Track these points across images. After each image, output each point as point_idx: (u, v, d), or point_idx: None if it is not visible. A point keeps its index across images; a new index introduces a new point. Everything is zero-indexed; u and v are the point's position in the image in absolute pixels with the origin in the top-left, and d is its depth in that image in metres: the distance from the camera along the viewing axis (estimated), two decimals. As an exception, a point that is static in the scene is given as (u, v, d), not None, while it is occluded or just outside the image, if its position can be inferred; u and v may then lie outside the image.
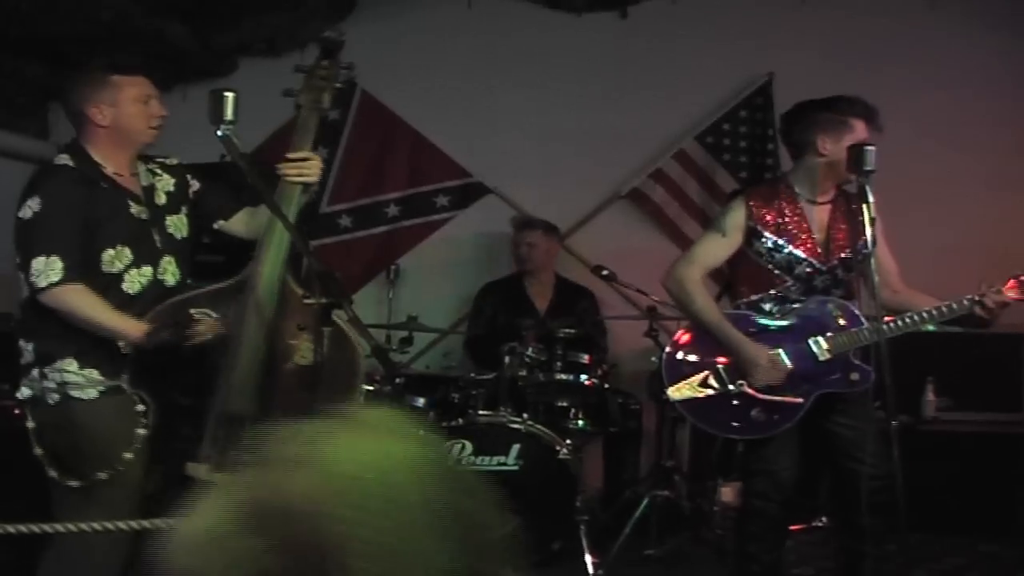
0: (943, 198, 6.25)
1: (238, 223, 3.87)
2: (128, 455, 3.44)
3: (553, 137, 6.72)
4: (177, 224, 3.70)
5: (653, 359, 5.55)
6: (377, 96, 6.77)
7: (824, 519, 5.59)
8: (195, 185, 3.82)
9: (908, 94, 6.13)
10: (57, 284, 3.34)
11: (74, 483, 3.40)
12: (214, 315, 3.48)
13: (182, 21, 6.20)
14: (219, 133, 3.26)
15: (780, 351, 3.95)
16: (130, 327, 3.42)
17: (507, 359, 5.14)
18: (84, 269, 3.39)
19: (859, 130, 3.96)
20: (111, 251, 3.47)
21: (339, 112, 6.70)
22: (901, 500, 3.65)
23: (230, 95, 3.26)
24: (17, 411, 3.74)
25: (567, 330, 5.33)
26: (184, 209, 3.74)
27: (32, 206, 3.37)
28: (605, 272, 5.90)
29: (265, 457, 0.97)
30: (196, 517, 0.97)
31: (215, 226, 3.86)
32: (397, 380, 5.41)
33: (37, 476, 3.46)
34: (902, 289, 4.11)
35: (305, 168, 3.56)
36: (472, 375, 5.42)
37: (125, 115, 3.55)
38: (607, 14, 6.87)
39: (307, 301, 3.34)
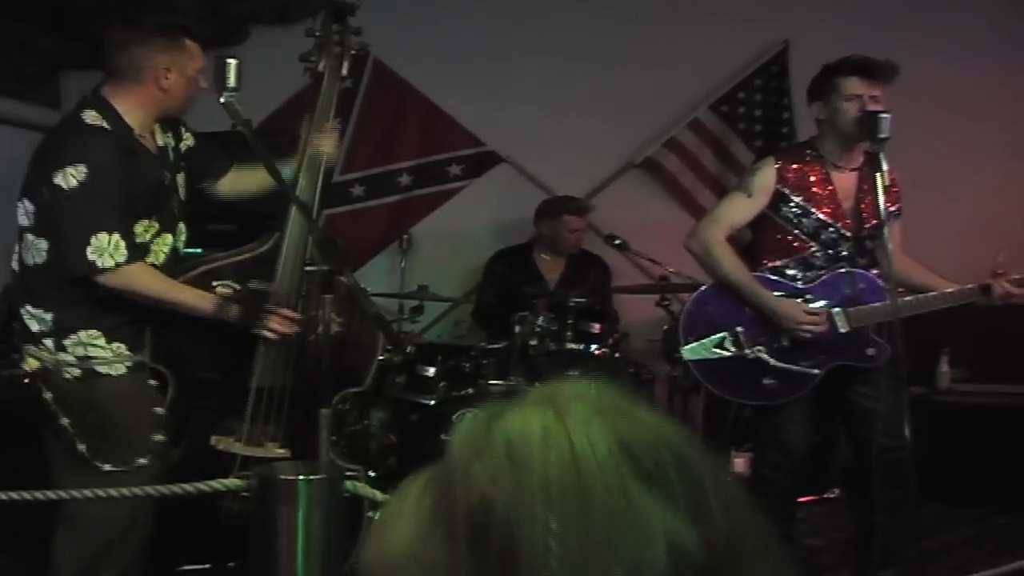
0: (961, 169, 6.19)
1: (225, 184, 3.82)
2: (159, 436, 3.41)
3: (567, 106, 6.66)
4: (182, 184, 3.61)
5: (664, 328, 5.52)
6: (389, 65, 6.72)
7: (836, 490, 5.57)
8: (189, 139, 3.70)
9: (926, 63, 6.04)
10: (124, 264, 3.22)
11: (108, 467, 3.29)
12: (237, 287, 3.49)
13: (194, -11, 6.17)
14: (222, 100, 3.26)
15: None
16: (203, 300, 3.37)
17: (517, 328, 5.12)
18: None
19: (848, 86, 3.90)
20: (145, 222, 3.37)
21: (351, 81, 6.64)
22: (912, 472, 3.63)
23: (232, 62, 3.27)
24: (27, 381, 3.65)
25: (578, 300, 5.29)
26: (183, 165, 3.63)
27: (76, 175, 3.16)
28: (618, 241, 5.88)
29: (462, 449, 0.89)
30: (390, 526, 0.91)
31: (203, 184, 3.75)
32: (408, 349, 5.39)
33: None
34: (900, 260, 4.07)
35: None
36: (483, 344, 5.39)
37: (185, 85, 3.42)
38: (621, -19, 6.79)
39: (308, 268, 3.34)
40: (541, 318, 5.15)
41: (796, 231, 3.97)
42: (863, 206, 3.97)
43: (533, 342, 5.13)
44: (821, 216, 3.94)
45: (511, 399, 0.91)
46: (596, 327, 5.26)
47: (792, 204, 3.95)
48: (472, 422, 0.90)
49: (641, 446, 0.85)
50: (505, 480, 0.83)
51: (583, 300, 5.32)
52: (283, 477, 2.47)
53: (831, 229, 3.95)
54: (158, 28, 3.39)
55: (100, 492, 2.73)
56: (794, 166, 3.99)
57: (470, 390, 5.01)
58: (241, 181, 3.83)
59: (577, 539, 0.81)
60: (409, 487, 0.92)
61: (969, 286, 3.97)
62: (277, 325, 3.42)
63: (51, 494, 2.83)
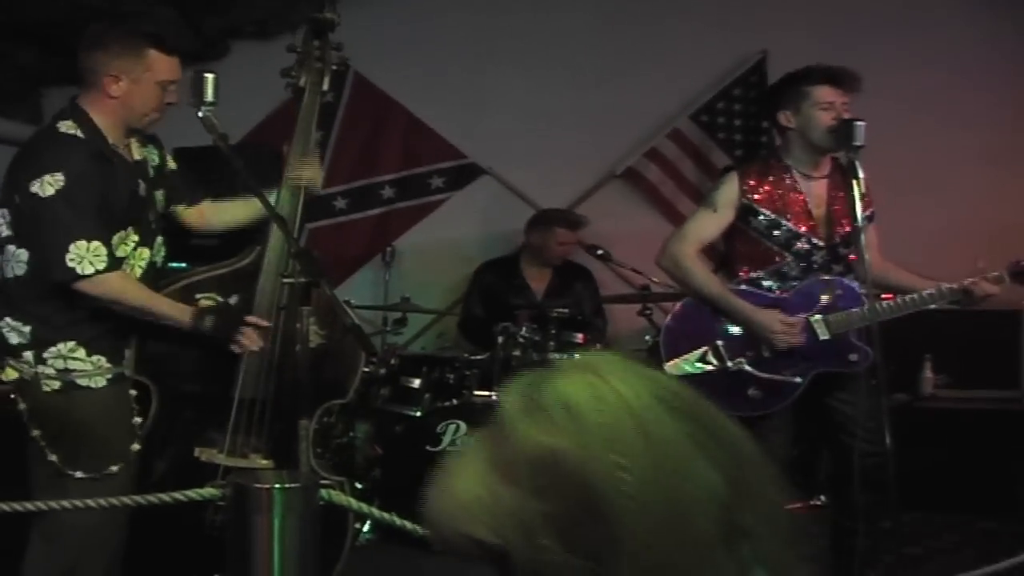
0: (939, 175, 6.23)
1: (194, 214, 3.81)
2: (136, 446, 3.42)
3: (547, 117, 6.68)
4: (160, 201, 3.62)
5: (647, 338, 5.53)
6: (370, 78, 6.75)
7: (823, 498, 5.57)
8: (171, 163, 3.71)
9: (903, 70, 6.10)
10: (103, 272, 3.22)
11: (80, 474, 3.29)
12: (220, 299, 3.53)
13: (172, 5, 6.16)
14: (200, 114, 3.26)
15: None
16: (179, 312, 3.39)
17: (500, 339, 5.12)
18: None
19: (821, 95, 3.90)
20: (122, 233, 3.35)
21: (333, 94, 6.68)
22: (892, 478, 3.63)
23: (210, 76, 3.27)
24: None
25: (560, 310, 5.30)
26: (162, 184, 3.64)
27: (53, 183, 3.14)
28: (600, 252, 5.91)
29: (514, 410, 1.03)
30: (454, 480, 1.04)
31: (170, 208, 3.73)
32: (392, 361, 5.41)
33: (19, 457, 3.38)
34: (879, 263, 4.08)
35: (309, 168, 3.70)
36: (466, 355, 5.40)
37: (140, 95, 3.37)
38: (601, -8, 6.83)
39: (285, 280, 3.35)
40: (524, 329, 5.16)
41: (768, 242, 3.96)
42: (835, 213, 3.98)
43: (516, 353, 5.14)
44: (792, 226, 3.94)
45: (546, 369, 1.06)
46: (579, 337, 5.27)
47: (761, 216, 3.95)
48: (517, 388, 1.06)
49: (671, 397, 1.02)
50: (568, 431, 0.97)
51: (565, 311, 5.33)
52: (257, 486, 2.48)
53: (803, 239, 3.95)
54: (116, 33, 3.35)
55: (78, 503, 2.71)
56: (759, 178, 3.99)
57: (454, 401, 5.01)
58: (213, 215, 3.84)
59: (651, 469, 0.95)
60: (465, 448, 1.08)
61: (948, 286, 3.94)
62: (253, 337, 3.44)
63: (29, 505, 2.82)
